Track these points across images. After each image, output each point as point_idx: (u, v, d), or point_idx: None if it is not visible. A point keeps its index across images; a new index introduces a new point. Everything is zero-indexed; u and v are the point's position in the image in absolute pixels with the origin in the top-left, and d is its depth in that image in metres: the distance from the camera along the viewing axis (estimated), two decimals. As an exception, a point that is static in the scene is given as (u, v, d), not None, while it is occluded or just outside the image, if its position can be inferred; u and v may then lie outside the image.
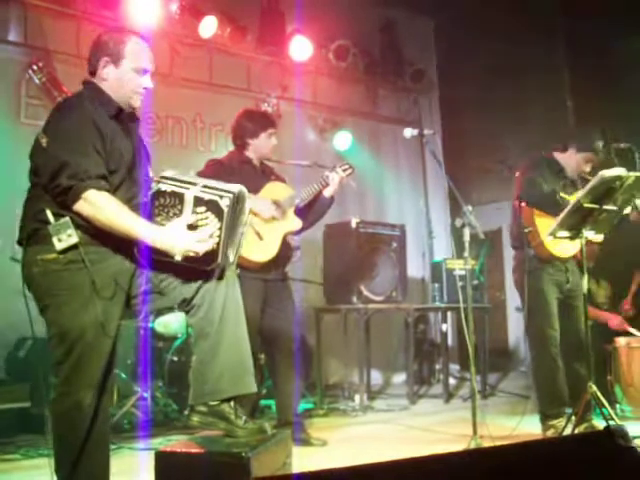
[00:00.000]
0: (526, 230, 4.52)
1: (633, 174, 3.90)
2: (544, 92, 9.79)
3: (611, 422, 3.89)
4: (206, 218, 2.71)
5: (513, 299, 10.17)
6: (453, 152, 9.80)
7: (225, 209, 2.70)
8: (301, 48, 7.51)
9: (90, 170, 2.61)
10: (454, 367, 8.05)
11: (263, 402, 5.96)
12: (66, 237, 2.63)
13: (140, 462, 4.03)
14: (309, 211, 4.66)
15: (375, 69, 8.46)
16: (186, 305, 2.87)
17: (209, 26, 6.89)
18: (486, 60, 10.30)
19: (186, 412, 2.95)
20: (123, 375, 5.44)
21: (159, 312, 5.44)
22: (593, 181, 3.86)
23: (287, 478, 1.43)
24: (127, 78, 2.87)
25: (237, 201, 2.80)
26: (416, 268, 8.13)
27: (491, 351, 8.31)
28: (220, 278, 2.84)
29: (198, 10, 6.86)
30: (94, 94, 2.85)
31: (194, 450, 2.72)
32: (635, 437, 3.72)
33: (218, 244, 2.71)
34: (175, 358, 5.57)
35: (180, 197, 2.72)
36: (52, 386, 2.75)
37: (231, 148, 7.41)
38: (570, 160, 4.66)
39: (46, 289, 2.69)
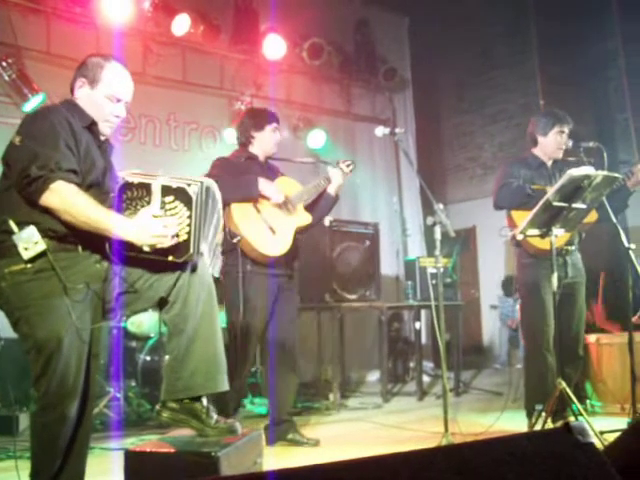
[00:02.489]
0: (510, 233, 4.53)
1: (601, 173, 3.94)
2: (517, 91, 9.90)
3: (580, 418, 3.93)
4: (175, 207, 2.68)
5: (487, 297, 10.28)
6: (427, 150, 9.88)
7: (194, 196, 2.66)
8: (275, 46, 7.51)
9: (61, 162, 2.58)
10: (428, 365, 8.09)
11: (237, 401, 5.96)
12: (33, 245, 2.58)
13: (112, 462, 4.00)
14: (314, 208, 4.63)
15: (349, 67, 8.48)
16: (163, 302, 2.87)
17: (182, 24, 6.87)
18: (460, 59, 10.40)
19: (157, 407, 2.93)
20: (96, 375, 5.39)
21: (132, 312, 5.41)
22: (562, 180, 3.90)
23: (251, 477, 1.43)
24: (99, 103, 2.86)
25: (207, 193, 2.79)
26: (390, 266, 8.16)
27: (465, 348, 8.36)
28: (193, 271, 2.83)
29: (171, 8, 6.84)
30: (69, 106, 2.85)
31: (164, 449, 2.71)
32: (604, 432, 3.77)
33: (189, 234, 2.68)
34: (148, 358, 5.54)
35: (147, 188, 2.68)
36: (33, 399, 2.69)
37: (205, 147, 7.46)
38: (546, 146, 4.71)
39: (17, 302, 2.63)
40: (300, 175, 5.09)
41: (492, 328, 10.23)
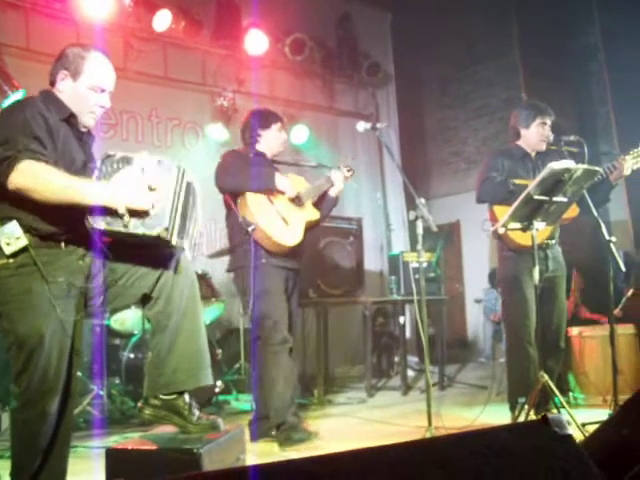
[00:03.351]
0: (492, 228, 4.52)
1: (581, 166, 3.95)
2: (500, 85, 9.93)
3: (562, 410, 3.96)
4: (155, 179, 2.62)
5: (472, 291, 10.31)
6: (411, 145, 9.89)
7: (175, 170, 2.65)
8: (257, 42, 7.49)
9: (29, 145, 2.53)
10: (413, 359, 8.10)
11: (221, 397, 5.94)
12: (14, 240, 2.56)
13: (95, 461, 3.98)
14: (319, 209, 4.65)
15: (332, 63, 8.47)
16: (146, 299, 2.86)
17: (163, 19, 6.83)
18: (443, 54, 10.41)
19: (139, 404, 2.93)
20: (79, 373, 5.35)
21: (115, 309, 5.39)
22: (543, 173, 3.91)
23: (227, 472, 1.42)
24: (83, 95, 2.82)
25: (188, 189, 2.76)
26: (374, 261, 8.16)
27: (450, 342, 8.39)
28: (177, 267, 2.82)
29: (152, 3, 6.81)
30: (47, 98, 2.80)
31: (145, 447, 2.70)
32: (586, 424, 3.79)
33: (164, 205, 2.61)
34: (132, 355, 5.52)
35: (129, 160, 2.64)
36: (13, 395, 2.67)
37: (187, 143, 7.44)
38: (529, 138, 4.72)
39: None
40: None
41: (476, 322, 10.25)
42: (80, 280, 2.74)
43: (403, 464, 1.17)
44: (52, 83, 2.87)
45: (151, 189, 2.60)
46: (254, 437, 4.44)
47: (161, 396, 2.85)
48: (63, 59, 2.85)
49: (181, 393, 2.86)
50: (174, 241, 2.66)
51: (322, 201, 4.67)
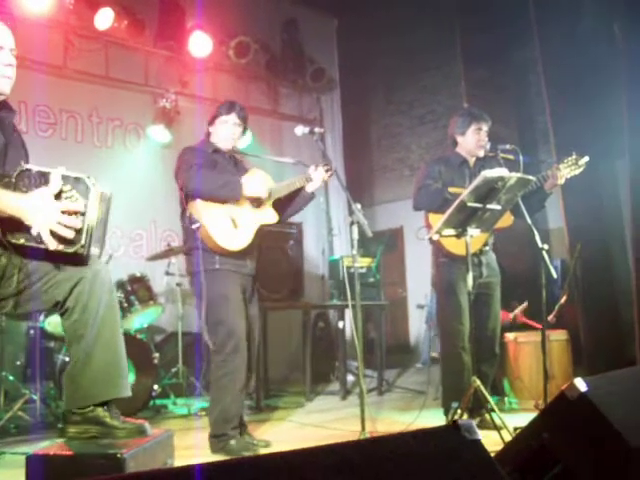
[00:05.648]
0: (428, 236, 4.55)
1: (515, 175, 4.02)
2: (444, 94, 10.05)
3: (494, 414, 4.02)
4: (71, 197, 2.59)
5: (414, 296, 10.40)
6: (355, 151, 9.94)
7: (92, 187, 2.62)
8: (201, 44, 7.44)
9: None
10: (353, 364, 8.10)
11: (158, 402, 5.88)
12: None
13: (22, 467, 3.88)
14: (289, 205, 4.53)
15: (276, 67, 8.46)
16: (59, 308, 2.77)
17: (105, 18, 6.74)
18: (388, 61, 10.50)
19: (59, 425, 2.86)
20: (11, 377, 5.24)
21: (49, 312, 5.28)
22: (476, 181, 3.96)
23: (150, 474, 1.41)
24: None
25: (108, 202, 2.73)
26: (315, 266, 8.18)
27: (392, 347, 8.44)
28: (94, 275, 2.75)
29: (94, 1, 6.69)
30: None
31: (67, 452, 2.63)
32: (519, 428, 3.85)
33: (82, 223, 2.59)
34: (67, 358, 5.39)
35: (46, 176, 2.59)
36: None
37: (129, 144, 7.37)
38: (466, 144, 4.78)
39: None
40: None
41: (419, 327, 10.33)
42: None
43: (305, 470, 1.17)
44: None
45: (70, 213, 2.57)
46: None
47: (79, 410, 2.78)
48: None
49: (100, 403, 2.80)
50: (86, 251, 2.66)
51: (294, 198, 4.51)
